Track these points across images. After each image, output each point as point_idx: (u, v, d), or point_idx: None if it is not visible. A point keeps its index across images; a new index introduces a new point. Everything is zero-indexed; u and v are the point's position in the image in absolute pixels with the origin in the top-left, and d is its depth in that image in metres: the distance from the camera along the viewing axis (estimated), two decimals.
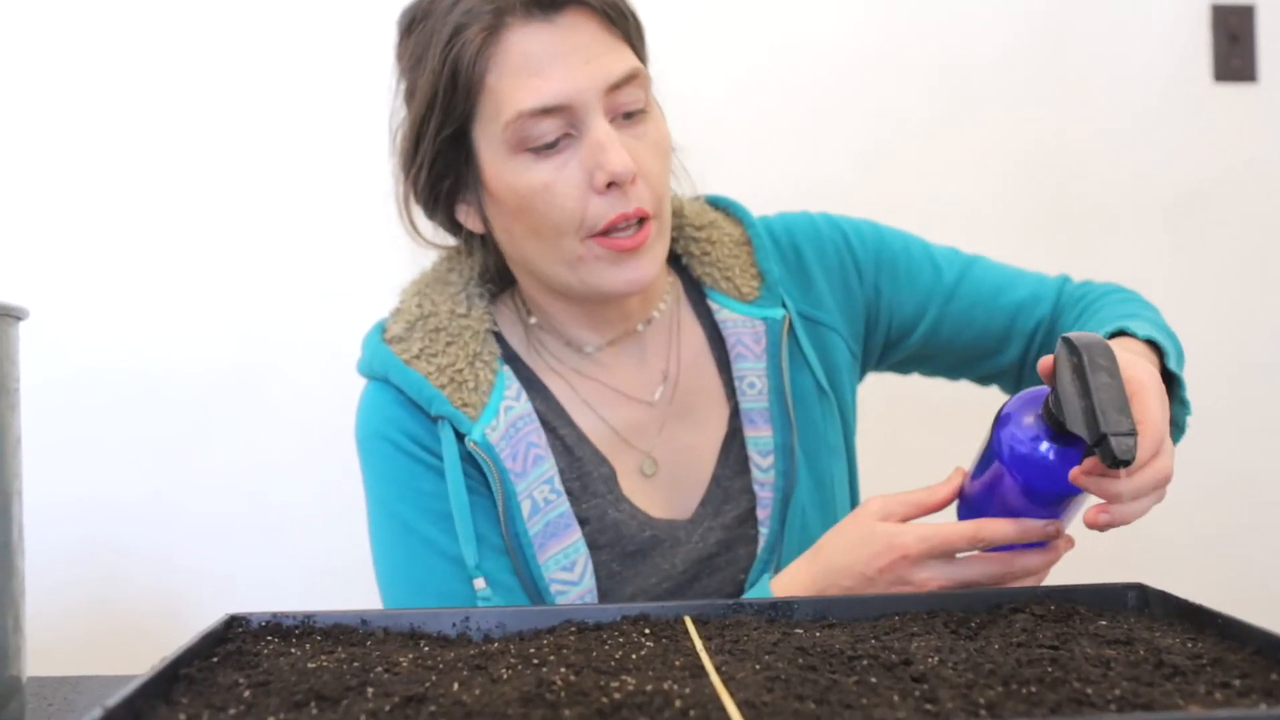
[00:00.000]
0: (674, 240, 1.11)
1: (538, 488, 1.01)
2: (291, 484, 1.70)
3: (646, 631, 0.73)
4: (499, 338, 1.08)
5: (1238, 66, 1.82)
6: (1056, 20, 1.80)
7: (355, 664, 0.65)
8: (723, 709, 0.54)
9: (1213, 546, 1.79)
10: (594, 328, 1.07)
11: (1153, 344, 0.91)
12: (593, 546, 1.02)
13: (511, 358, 1.08)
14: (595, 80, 0.94)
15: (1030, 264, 1.19)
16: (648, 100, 0.99)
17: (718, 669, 0.62)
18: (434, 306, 1.06)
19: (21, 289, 1.39)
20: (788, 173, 1.73)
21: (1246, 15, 1.81)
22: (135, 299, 1.68)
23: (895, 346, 1.15)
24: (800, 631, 0.72)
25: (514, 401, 1.03)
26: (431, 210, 1.06)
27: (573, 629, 0.74)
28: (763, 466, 1.05)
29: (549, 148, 0.95)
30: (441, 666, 0.65)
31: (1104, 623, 0.72)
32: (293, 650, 0.70)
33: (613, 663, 0.65)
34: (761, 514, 1.05)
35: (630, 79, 0.96)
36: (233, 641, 0.71)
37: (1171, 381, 0.91)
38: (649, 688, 0.57)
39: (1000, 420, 0.82)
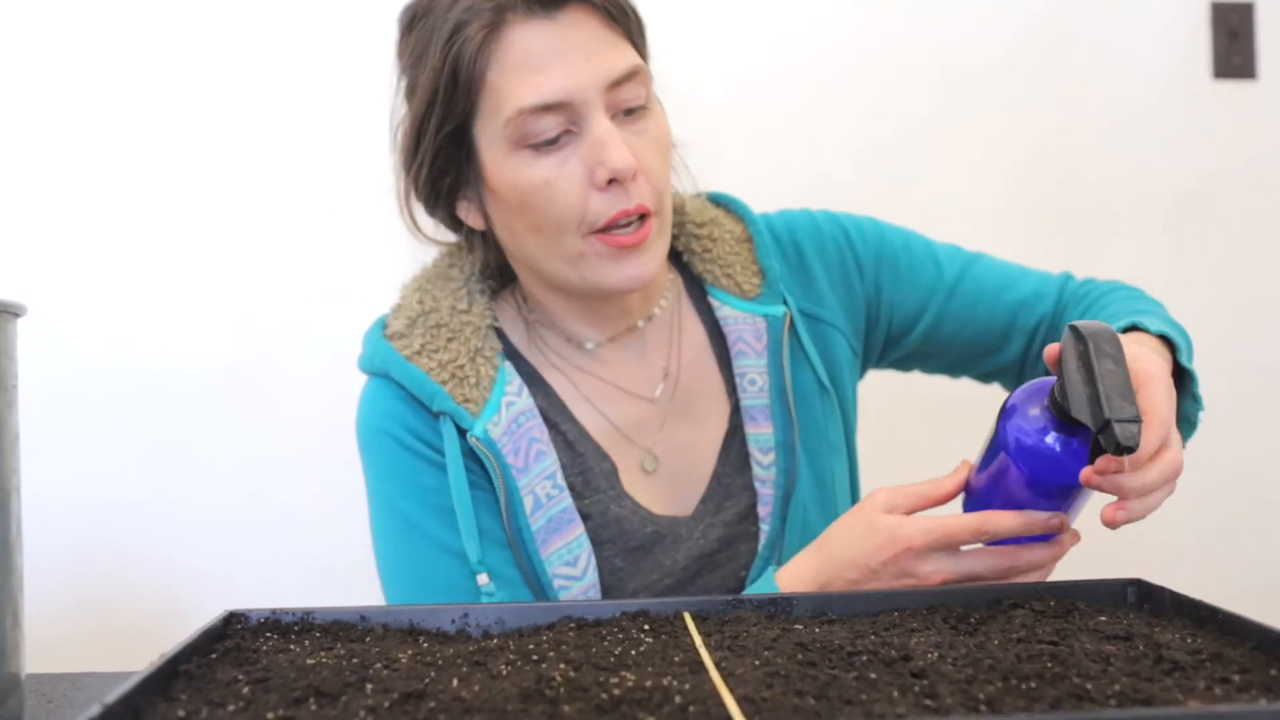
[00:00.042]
0: (675, 237, 1.11)
1: (540, 483, 1.01)
2: (291, 483, 1.70)
3: (646, 627, 0.73)
4: (500, 333, 1.08)
5: (1237, 64, 1.81)
6: (1056, 19, 1.80)
7: (354, 660, 0.65)
8: (722, 705, 0.54)
9: (1212, 543, 1.79)
10: (595, 324, 1.07)
11: (1165, 340, 0.90)
12: (595, 542, 1.02)
13: (513, 353, 1.08)
14: (596, 77, 0.94)
15: (1030, 262, 1.19)
16: (649, 97, 0.99)
17: (717, 665, 0.62)
18: (435, 302, 1.06)
19: (20, 285, 1.40)
20: (788, 172, 1.73)
21: (1246, 12, 1.81)
22: (135, 296, 1.68)
23: (896, 343, 1.15)
24: (800, 627, 0.72)
25: (516, 397, 1.03)
26: (432, 207, 1.06)
27: (572, 625, 0.74)
28: (764, 464, 1.05)
29: (550, 144, 0.95)
30: (441, 663, 0.65)
31: (1103, 618, 0.72)
32: (292, 647, 0.70)
33: (612, 659, 0.65)
34: (762, 511, 1.05)
35: (631, 76, 0.96)
36: (232, 638, 0.71)
37: (1183, 377, 0.90)
38: (648, 684, 0.57)
39: (1005, 412, 0.82)
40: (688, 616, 0.75)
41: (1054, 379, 0.79)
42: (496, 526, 1.01)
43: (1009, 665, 0.60)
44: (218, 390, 1.69)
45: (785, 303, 1.09)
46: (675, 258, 1.13)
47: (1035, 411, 0.79)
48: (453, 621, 0.76)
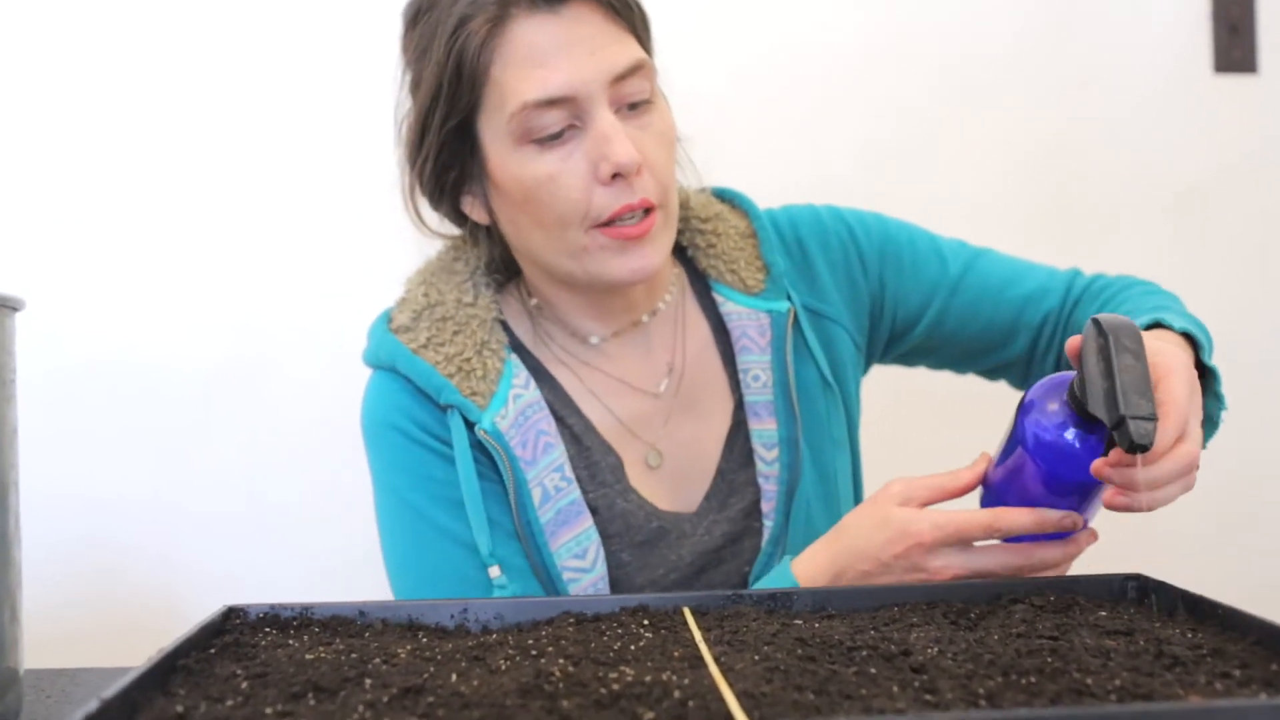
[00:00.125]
0: (680, 232, 1.11)
1: (548, 475, 1.01)
2: (290, 480, 1.69)
3: (645, 623, 0.73)
4: (505, 327, 1.08)
5: (1238, 58, 1.81)
6: (1058, 15, 1.80)
7: (353, 655, 0.65)
8: (721, 700, 0.54)
9: (1213, 537, 1.79)
10: (599, 318, 1.07)
11: (1188, 337, 0.89)
12: (603, 535, 1.02)
13: (518, 347, 1.08)
14: (600, 71, 0.94)
15: (1032, 257, 1.18)
16: (653, 91, 0.99)
17: (716, 660, 0.62)
18: (440, 295, 1.06)
19: (18, 280, 1.39)
20: (790, 166, 1.72)
21: (1246, 6, 1.81)
22: (134, 292, 1.67)
23: (900, 339, 1.15)
24: (799, 622, 0.72)
25: (523, 389, 1.03)
26: (437, 201, 1.06)
27: (571, 620, 0.74)
28: (767, 459, 1.05)
29: (554, 139, 0.95)
30: (440, 658, 0.65)
31: (1104, 613, 0.72)
32: (290, 642, 0.70)
33: (611, 654, 0.65)
34: (766, 507, 1.05)
35: (635, 70, 0.96)
36: (230, 633, 0.71)
37: (1205, 375, 0.89)
38: (648, 678, 0.57)
39: (1024, 407, 0.81)
40: (687, 611, 0.75)
41: (1069, 375, 0.79)
42: (506, 519, 1.01)
43: (1009, 660, 0.60)
44: (217, 386, 1.69)
45: (789, 298, 1.08)
46: (679, 253, 1.13)
47: (1054, 406, 0.79)
48: (451, 617, 0.76)
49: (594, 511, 1.03)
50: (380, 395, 1.06)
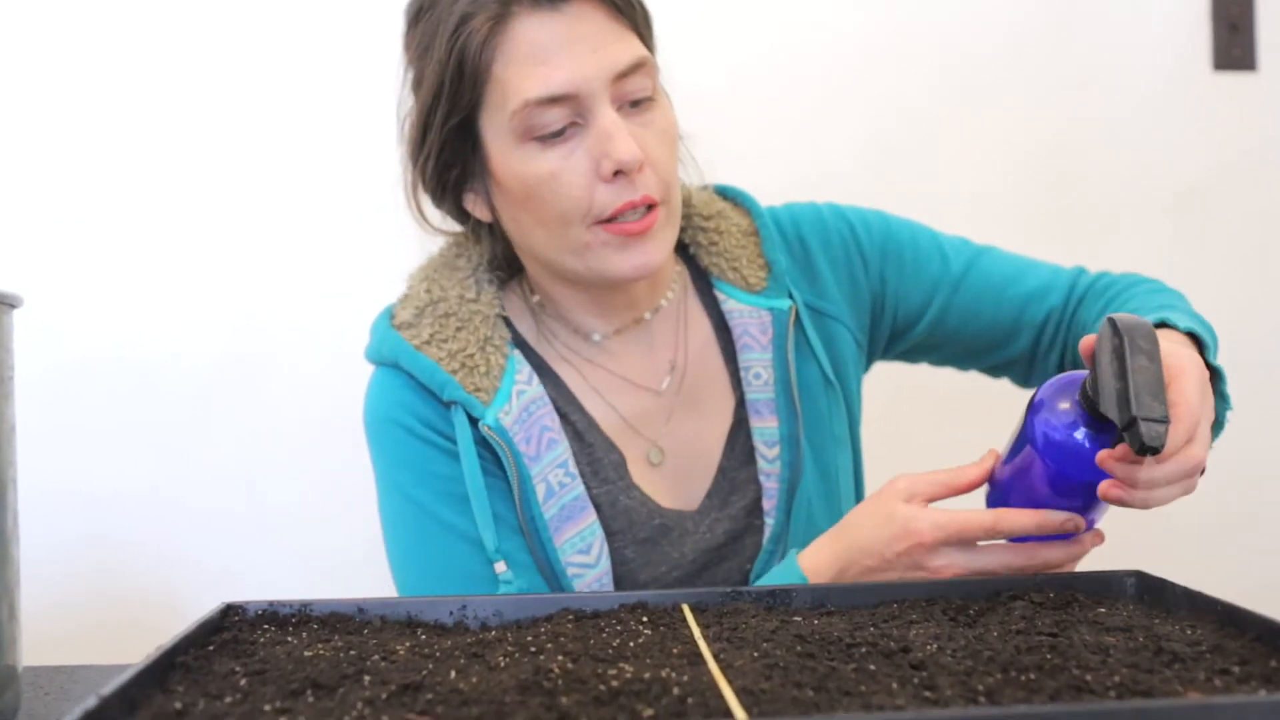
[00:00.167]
0: (682, 229, 1.11)
1: (552, 471, 1.01)
2: (290, 478, 1.69)
3: (644, 620, 0.72)
4: (508, 323, 1.08)
5: (1238, 56, 1.81)
6: (1058, 13, 1.80)
7: (352, 652, 0.65)
8: (720, 696, 0.54)
9: (1213, 536, 1.79)
10: (602, 315, 1.07)
11: (1192, 336, 0.89)
12: (606, 532, 1.02)
13: (521, 343, 1.08)
14: (602, 69, 0.94)
15: (1032, 255, 1.18)
16: (655, 88, 0.99)
17: (715, 657, 0.62)
18: (443, 292, 1.06)
19: (16, 276, 1.39)
20: (790, 164, 1.72)
21: (1246, 4, 1.81)
22: (133, 287, 1.67)
23: (901, 336, 1.15)
24: (798, 619, 0.72)
25: (526, 385, 1.03)
26: (439, 199, 1.06)
27: (570, 617, 0.74)
28: (768, 457, 1.05)
29: (556, 136, 0.95)
30: (438, 655, 0.65)
31: (1103, 610, 0.72)
32: (289, 639, 0.70)
33: (610, 650, 0.65)
34: (767, 505, 1.05)
35: (637, 67, 0.96)
36: (229, 630, 0.71)
37: (1211, 375, 0.88)
38: (647, 675, 0.57)
39: (1034, 406, 0.80)
40: (686, 608, 0.75)
41: (1081, 374, 0.78)
42: (510, 514, 1.01)
43: (1008, 657, 0.60)
44: (217, 383, 1.68)
45: (791, 296, 1.09)
46: (681, 250, 1.13)
47: (1065, 406, 0.78)
48: (450, 614, 0.76)
49: (597, 508, 1.03)
50: (383, 391, 1.06)
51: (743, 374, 1.07)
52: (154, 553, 1.67)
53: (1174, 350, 0.77)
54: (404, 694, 0.56)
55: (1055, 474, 0.79)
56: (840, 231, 1.13)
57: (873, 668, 0.59)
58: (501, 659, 0.63)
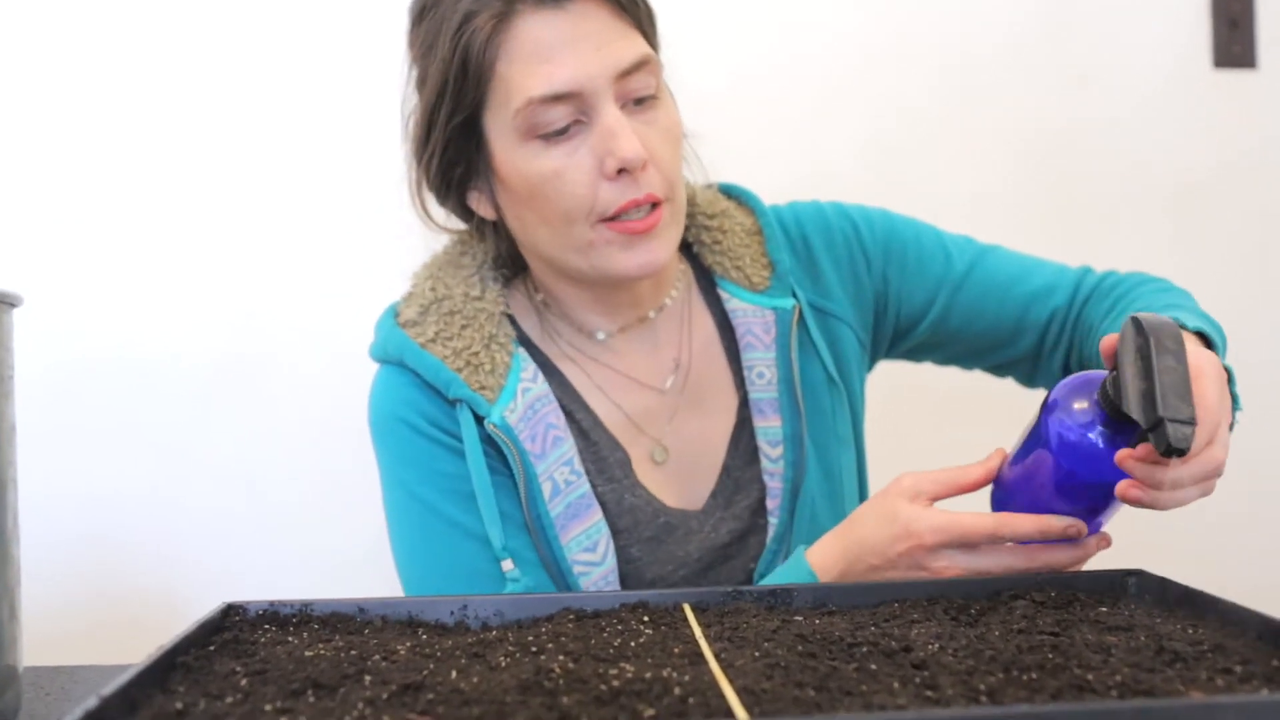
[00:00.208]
0: (686, 228, 1.10)
1: (558, 469, 1.01)
2: (290, 477, 1.69)
3: (645, 619, 0.72)
4: (513, 321, 1.08)
5: (1238, 53, 1.81)
6: (1058, 11, 1.80)
7: (353, 652, 0.65)
8: (722, 696, 0.54)
9: (1214, 535, 1.78)
10: (606, 313, 1.07)
11: (1202, 336, 0.88)
12: (611, 530, 1.02)
13: (525, 341, 1.08)
14: (606, 67, 0.94)
15: (1033, 253, 1.18)
16: (659, 86, 0.99)
17: (717, 656, 0.62)
18: (448, 290, 1.06)
19: (16, 276, 1.39)
20: (790, 164, 1.72)
21: (1246, 1, 1.81)
22: (133, 287, 1.67)
23: (905, 335, 1.15)
24: (799, 619, 0.72)
25: (531, 383, 1.03)
26: (443, 197, 1.06)
27: (571, 616, 0.74)
28: (772, 456, 1.05)
29: (559, 134, 0.95)
30: (439, 654, 0.65)
31: (1104, 609, 0.72)
32: (290, 639, 0.70)
33: (611, 650, 0.65)
34: (771, 504, 1.05)
35: (641, 65, 0.95)
36: (230, 630, 0.71)
37: None
38: (648, 675, 0.57)
39: (1048, 405, 0.79)
40: (687, 608, 0.75)
41: (1098, 374, 0.77)
42: (516, 512, 1.01)
43: (1010, 656, 0.60)
44: (217, 383, 1.68)
45: (794, 296, 1.08)
46: (685, 249, 1.13)
47: (1081, 406, 0.77)
48: (451, 613, 0.76)
49: (602, 506, 1.03)
50: (388, 390, 1.06)
51: (746, 373, 1.07)
52: (154, 553, 1.67)
53: (1193, 350, 0.77)
54: (405, 694, 0.56)
55: (1068, 474, 0.78)
56: (843, 230, 1.13)
57: (874, 667, 0.59)
58: (502, 659, 0.63)
